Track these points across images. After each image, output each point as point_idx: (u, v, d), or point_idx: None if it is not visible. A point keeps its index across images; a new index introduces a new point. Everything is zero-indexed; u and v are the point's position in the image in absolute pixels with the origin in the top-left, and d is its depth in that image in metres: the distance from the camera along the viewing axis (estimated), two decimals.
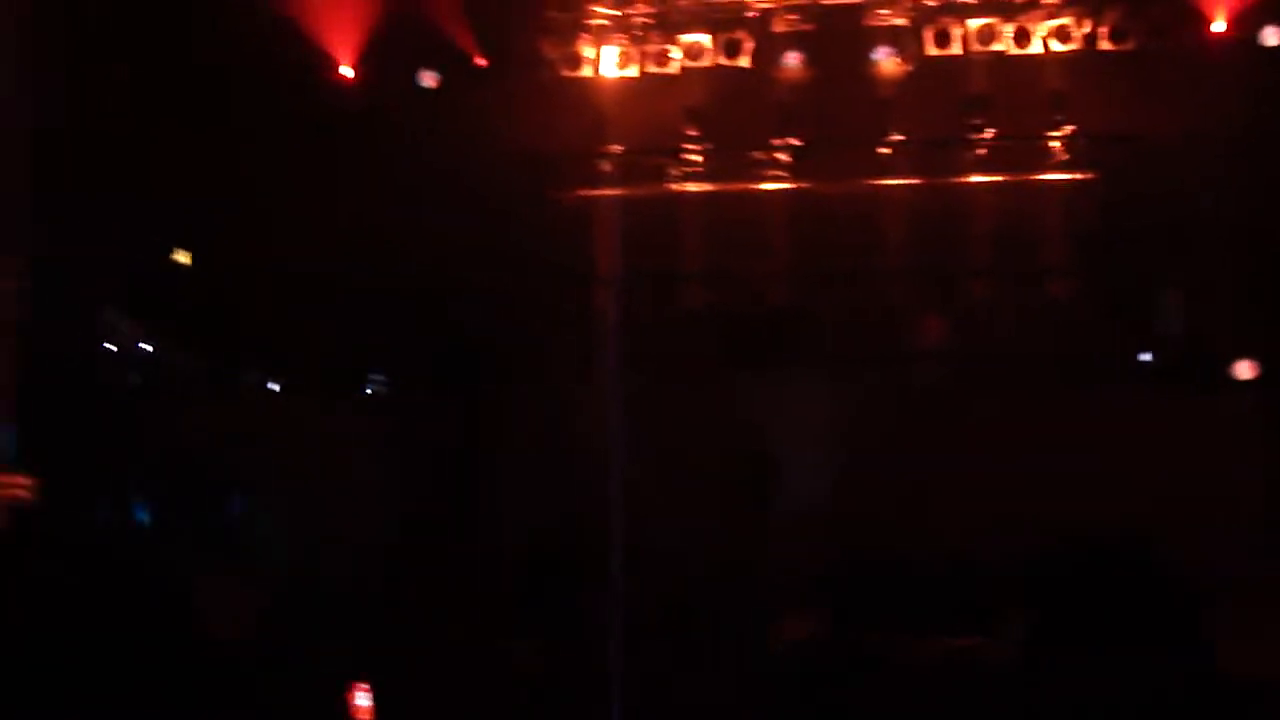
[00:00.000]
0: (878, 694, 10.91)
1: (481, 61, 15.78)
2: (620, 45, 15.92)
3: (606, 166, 15.99)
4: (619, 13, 15.90)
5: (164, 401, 14.91)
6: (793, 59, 15.76)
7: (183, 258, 15.52)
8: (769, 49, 15.83)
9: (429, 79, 15.74)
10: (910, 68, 15.63)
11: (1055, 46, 15.37)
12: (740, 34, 15.79)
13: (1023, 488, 12.71)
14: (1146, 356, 14.93)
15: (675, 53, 15.89)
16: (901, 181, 15.64)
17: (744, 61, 15.81)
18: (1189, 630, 11.14)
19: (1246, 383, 14.15)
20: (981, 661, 11.37)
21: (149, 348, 15.33)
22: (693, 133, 15.92)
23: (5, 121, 13.04)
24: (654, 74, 15.93)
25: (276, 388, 15.45)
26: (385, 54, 15.32)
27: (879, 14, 15.66)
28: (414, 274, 15.01)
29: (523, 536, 13.19)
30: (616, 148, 15.96)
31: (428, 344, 15.06)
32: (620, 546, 11.97)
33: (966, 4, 15.51)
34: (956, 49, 15.54)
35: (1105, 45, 15.25)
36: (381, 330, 15.07)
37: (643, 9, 15.89)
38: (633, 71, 15.95)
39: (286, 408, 15.19)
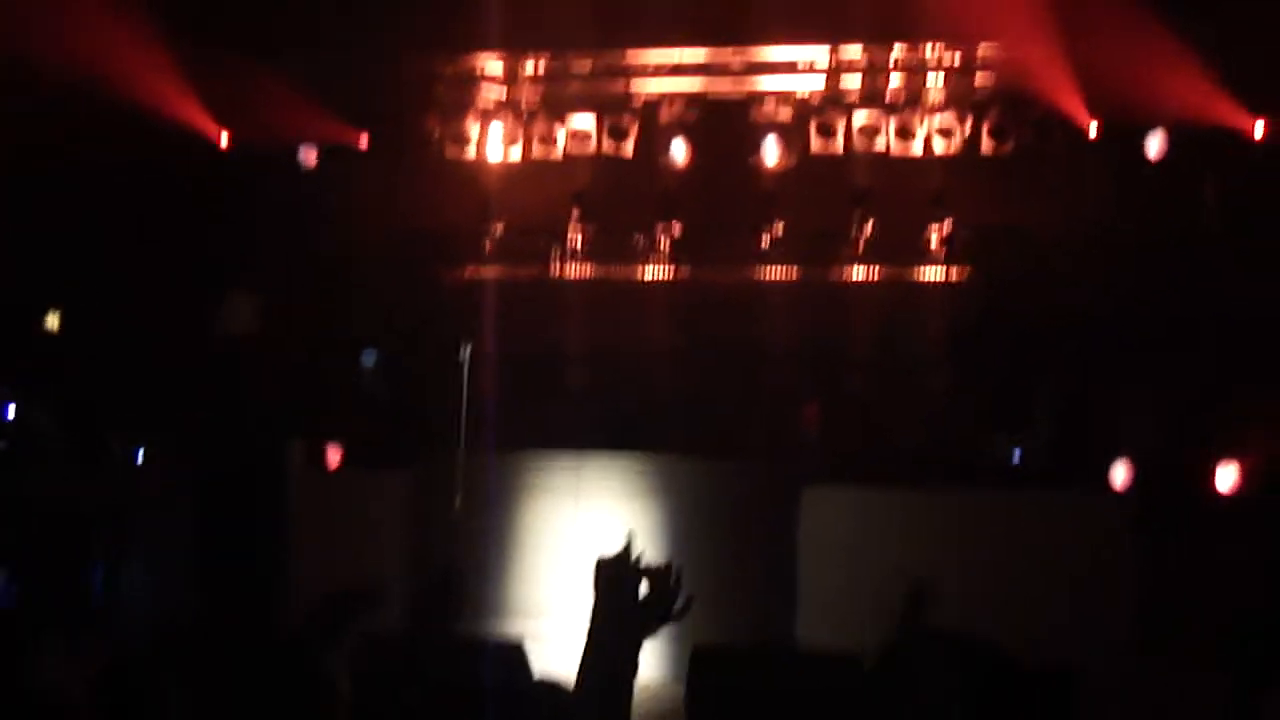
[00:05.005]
0: None
1: (364, 138, 15.80)
2: (506, 126, 16.00)
3: (488, 246, 16.02)
4: (505, 92, 15.99)
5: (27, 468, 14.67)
6: (678, 148, 15.88)
7: (51, 320, 15.40)
8: (654, 137, 15.95)
9: (309, 154, 15.73)
10: (794, 162, 15.75)
11: (937, 144, 15.52)
12: (626, 119, 15.91)
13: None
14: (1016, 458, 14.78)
15: (561, 136, 15.98)
16: (781, 272, 15.75)
17: (628, 148, 15.92)
18: None
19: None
20: None
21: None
22: (575, 215, 16.01)
23: None
24: (539, 158, 16.02)
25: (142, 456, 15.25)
26: (264, 127, 15.28)
27: (763, 109, 15.80)
28: (289, 347, 14.94)
29: None
30: (498, 227, 16.00)
31: (299, 417, 14.93)
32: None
33: (850, 101, 15.67)
34: (839, 144, 15.70)
35: (986, 144, 15.40)
36: (259, 401, 14.92)
37: (530, 91, 15.99)
38: (517, 153, 16.03)
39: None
